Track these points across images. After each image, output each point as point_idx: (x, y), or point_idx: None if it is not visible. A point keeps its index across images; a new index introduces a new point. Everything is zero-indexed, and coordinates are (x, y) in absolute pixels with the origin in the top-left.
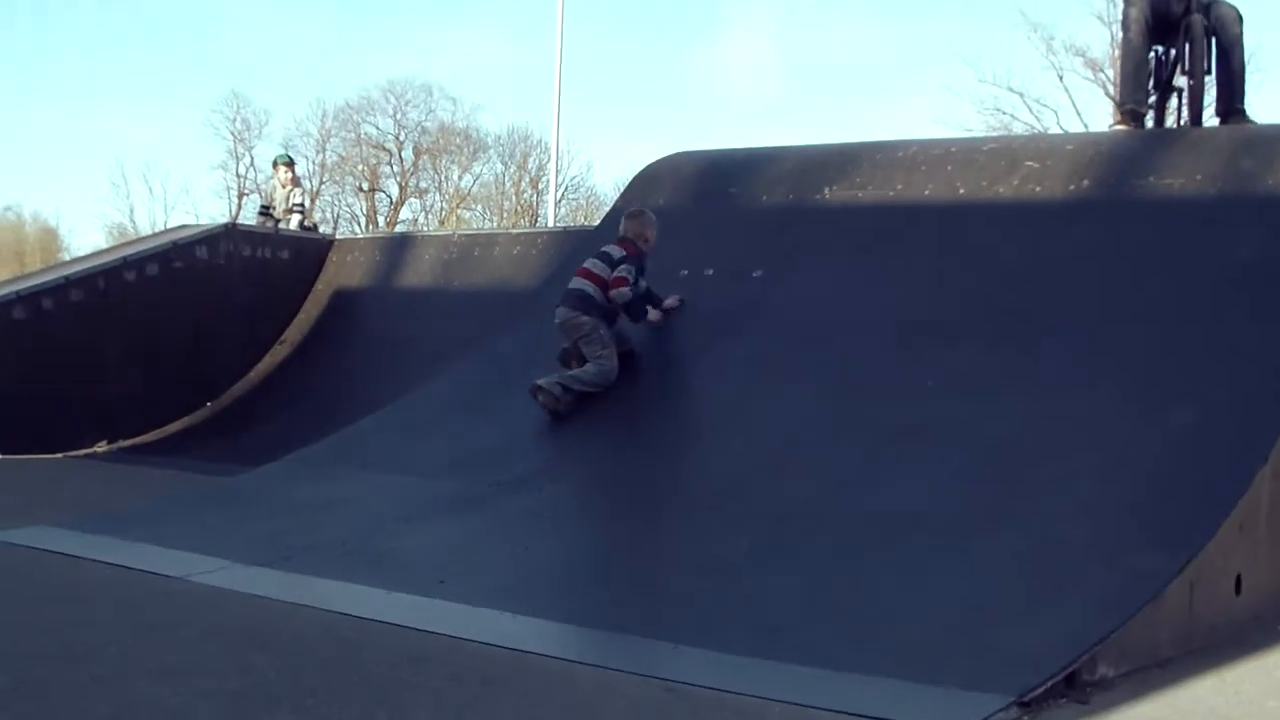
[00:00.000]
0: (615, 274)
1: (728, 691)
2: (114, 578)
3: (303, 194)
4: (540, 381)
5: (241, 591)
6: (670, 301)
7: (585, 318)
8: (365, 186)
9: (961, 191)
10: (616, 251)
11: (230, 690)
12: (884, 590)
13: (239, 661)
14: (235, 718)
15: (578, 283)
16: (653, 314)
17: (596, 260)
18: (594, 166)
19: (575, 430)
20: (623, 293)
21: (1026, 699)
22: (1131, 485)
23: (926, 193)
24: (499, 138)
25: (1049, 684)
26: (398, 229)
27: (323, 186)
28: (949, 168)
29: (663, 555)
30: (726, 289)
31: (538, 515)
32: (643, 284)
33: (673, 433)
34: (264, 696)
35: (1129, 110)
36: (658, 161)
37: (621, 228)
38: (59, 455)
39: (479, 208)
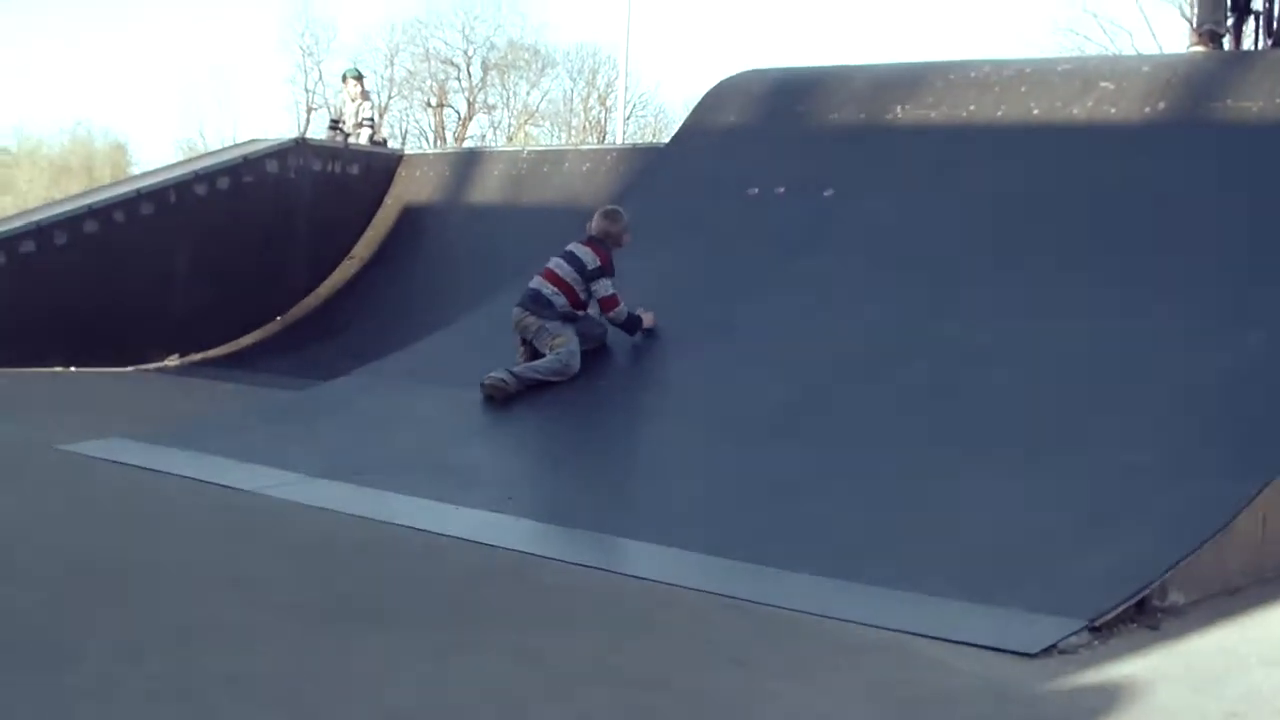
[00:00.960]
0: (604, 295)
1: (797, 610)
2: (187, 490)
3: (372, 108)
4: (487, 376)
5: (314, 505)
6: (647, 320)
7: (532, 319)
8: (433, 102)
9: (1035, 113)
10: (589, 258)
11: (305, 603)
12: (952, 513)
13: (313, 575)
14: (310, 631)
15: (537, 282)
16: (647, 319)
17: (562, 262)
18: (663, 84)
19: (643, 347)
20: (619, 311)
21: (1097, 623)
22: (1203, 410)
23: (999, 114)
24: (568, 53)
25: (1120, 608)
26: (466, 145)
27: (391, 101)
28: (1022, 89)
29: (727, 476)
30: (797, 207)
31: (603, 430)
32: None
33: (740, 351)
34: (339, 610)
35: (1207, 31)
36: (728, 80)
37: (592, 225)
38: (129, 369)
39: (547, 124)
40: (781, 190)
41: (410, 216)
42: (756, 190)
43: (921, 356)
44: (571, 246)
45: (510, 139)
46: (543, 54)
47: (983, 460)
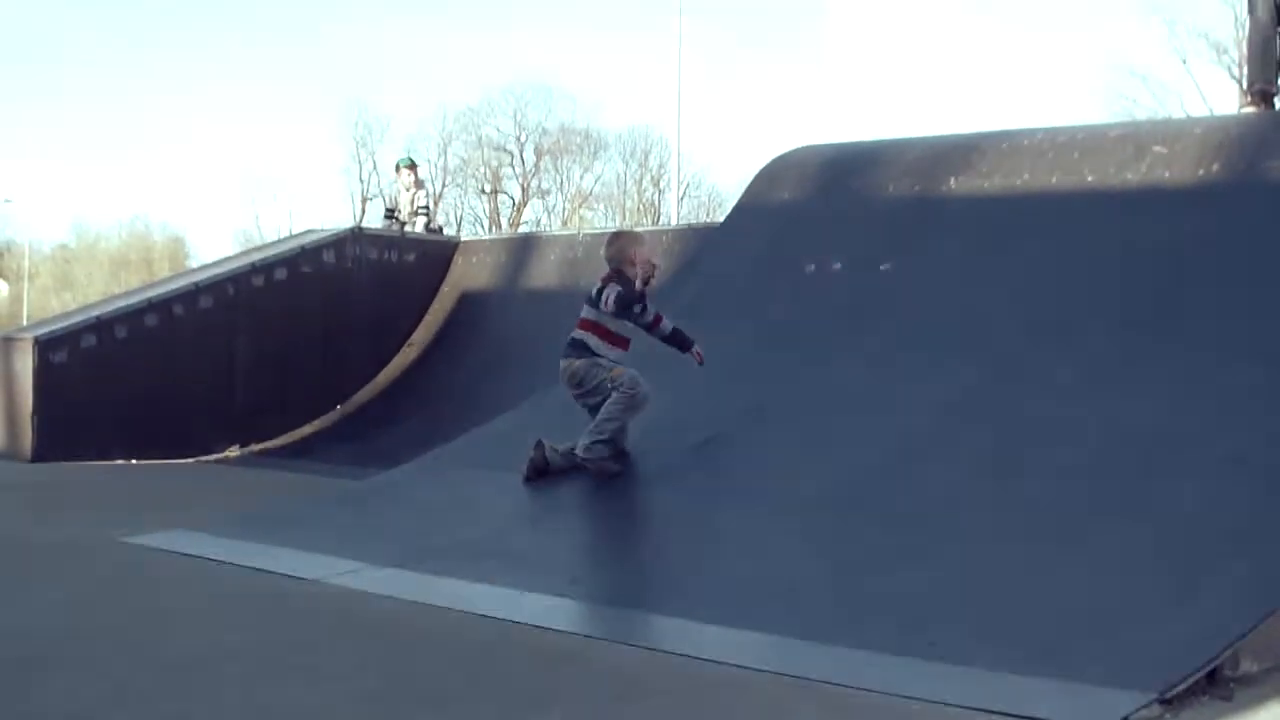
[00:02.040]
0: (608, 303)
1: (867, 689)
2: (251, 581)
3: (426, 196)
4: (578, 450)
5: (377, 593)
6: (697, 347)
7: (576, 361)
8: (487, 188)
9: (1090, 179)
10: (597, 286)
11: (369, 690)
12: (1018, 584)
13: (377, 662)
14: (380, 715)
15: (573, 334)
16: (697, 348)
17: (587, 307)
18: (715, 164)
19: (701, 425)
20: (669, 324)
21: (1168, 696)
22: (1271, 474)
23: (1054, 181)
24: (619, 136)
25: (1191, 680)
26: (521, 230)
27: (445, 189)
28: (1075, 155)
29: (796, 552)
30: (855, 282)
31: (667, 513)
32: (650, 312)
33: (801, 429)
34: (404, 697)
35: (1258, 91)
36: (781, 156)
37: (604, 255)
38: (191, 460)
39: (601, 207)
40: (838, 266)
41: (467, 302)
42: (813, 266)
43: (985, 429)
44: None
45: (565, 223)
46: (594, 137)
47: (1047, 529)
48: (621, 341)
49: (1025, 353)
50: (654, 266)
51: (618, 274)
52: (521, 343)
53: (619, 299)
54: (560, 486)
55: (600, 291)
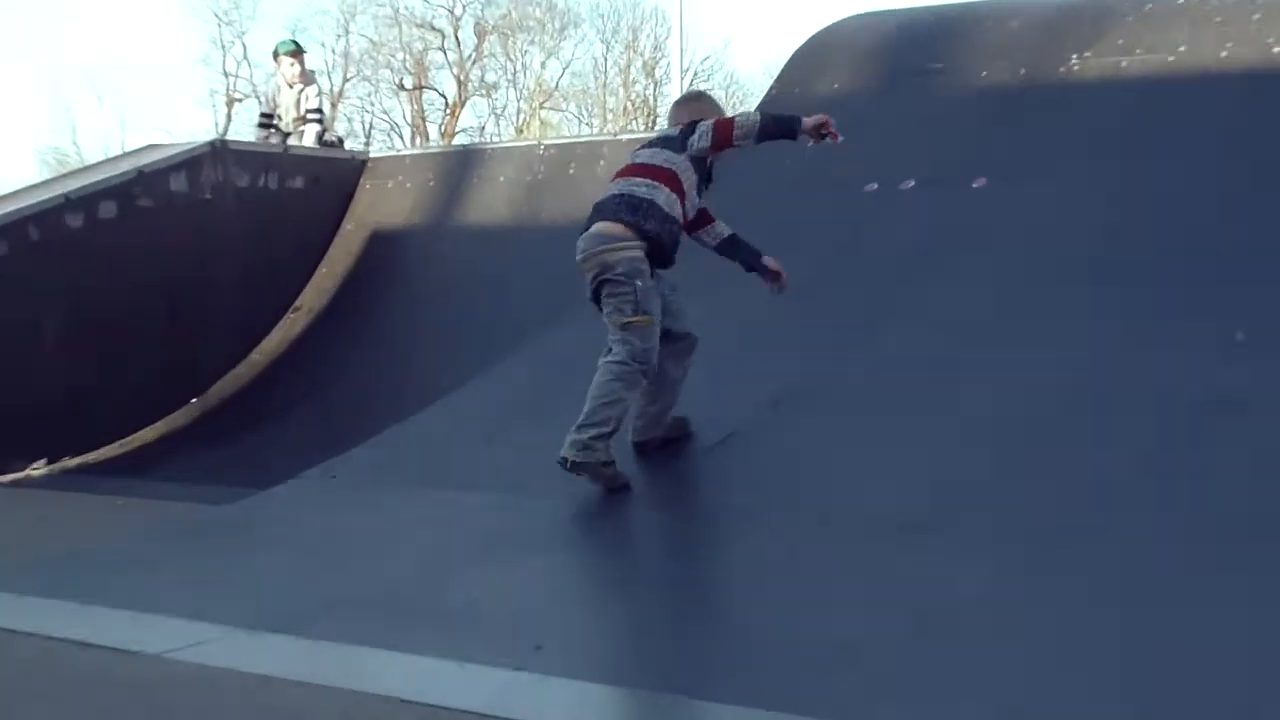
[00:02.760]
0: (703, 138)
1: None
2: (60, 659)
3: (319, 95)
4: (565, 452)
5: (249, 672)
6: (771, 262)
7: (623, 250)
8: (408, 83)
9: (1277, 50)
10: (679, 130)
11: None
12: (1184, 644)
13: None
14: None
15: (624, 185)
16: (771, 262)
17: (655, 149)
18: (734, 42)
19: (717, 422)
20: (744, 122)
21: None
22: None
23: (1223, 54)
24: (596, 6)
25: None
26: (457, 141)
27: (348, 85)
28: (1255, 17)
29: (838, 603)
30: (932, 208)
31: (672, 542)
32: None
33: (853, 421)
34: None
35: None
36: (828, 29)
37: (672, 118)
38: None
39: (572, 107)
40: (910, 184)
41: (380, 247)
42: (876, 185)
43: (1125, 420)
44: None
45: (521, 130)
46: (560, 9)
47: (1231, 558)
48: (681, 227)
49: (1183, 309)
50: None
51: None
52: (458, 306)
53: (717, 130)
54: (513, 509)
55: (683, 130)
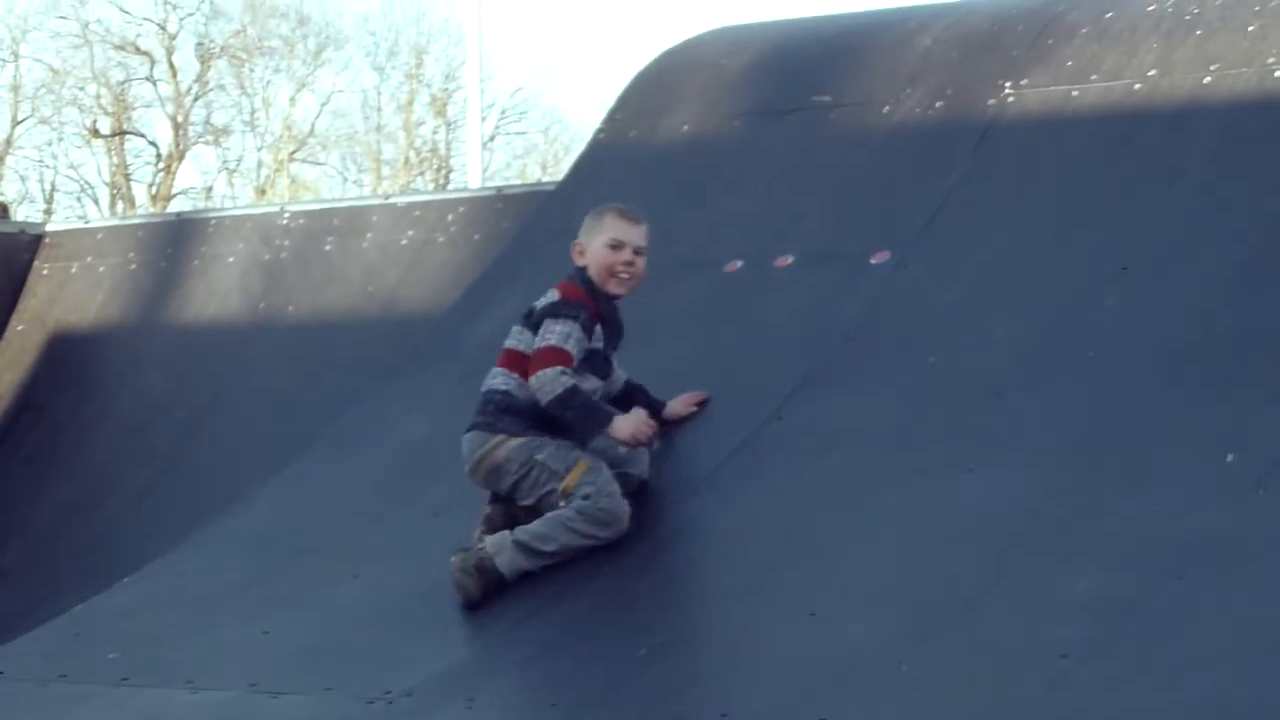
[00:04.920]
0: (543, 342)
1: None
2: None
3: None
4: (490, 548)
5: None
6: (678, 406)
7: (505, 445)
8: (105, 127)
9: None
10: (547, 295)
11: None
12: None
13: None
14: None
15: (490, 378)
16: (679, 405)
17: (517, 327)
18: (554, 71)
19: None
20: (552, 381)
21: None
22: None
23: (1207, 80)
24: (365, 20)
25: None
26: (175, 206)
27: (20, 131)
28: (1250, 29)
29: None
30: (820, 291)
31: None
32: (611, 370)
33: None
34: None
35: None
36: (678, 47)
37: None
38: None
39: (334, 158)
40: (788, 260)
41: (64, 354)
42: (740, 263)
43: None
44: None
45: (264, 190)
46: (317, 24)
47: None
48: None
49: (1168, 407)
50: (628, 265)
51: (575, 279)
52: (176, 429)
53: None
54: (260, 712)
55: (538, 309)
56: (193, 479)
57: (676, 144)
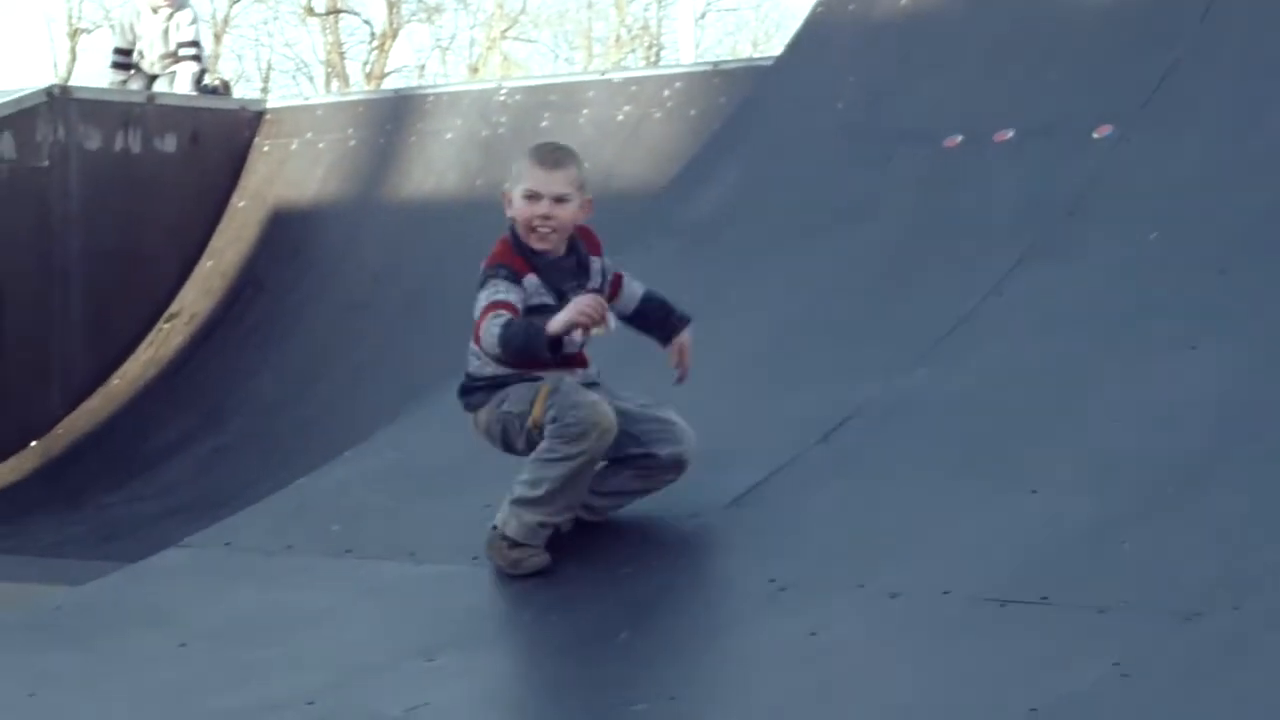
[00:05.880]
0: (476, 314)
1: None
2: None
3: (195, 24)
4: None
5: None
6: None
7: (479, 416)
8: (319, 6)
9: None
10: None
11: None
12: None
13: None
14: None
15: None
16: (565, 320)
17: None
18: None
19: (749, 461)
20: (488, 330)
21: None
22: None
23: None
24: None
25: None
26: (387, 84)
27: (236, 10)
28: None
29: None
30: (1041, 164)
31: (692, 633)
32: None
33: (938, 463)
34: None
35: None
36: None
37: None
38: None
39: (545, 36)
40: (1008, 135)
41: (283, 230)
42: (959, 138)
43: None
44: None
45: (476, 68)
46: None
47: None
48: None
49: None
50: (545, 218)
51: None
52: (390, 305)
53: (479, 280)
54: (477, 582)
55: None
56: (411, 354)
57: (895, 18)
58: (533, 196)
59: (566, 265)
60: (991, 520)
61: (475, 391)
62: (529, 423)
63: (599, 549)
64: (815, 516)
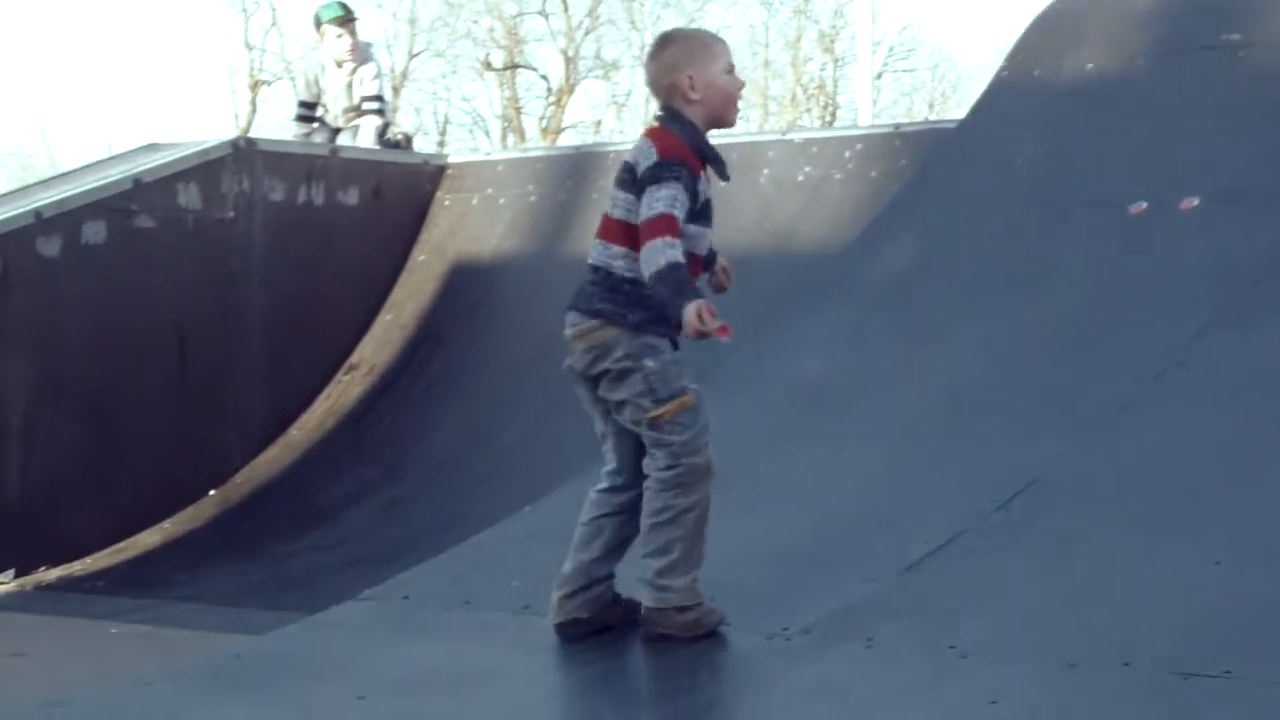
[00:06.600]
0: (650, 211)
1: None
2: None
3: (378, 78)
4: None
5: None
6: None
7: (607, 330)
8: (497, 61)
9: None
10: (643, 151)
11: None
12: None
13: None
14: None
15: (592, 252)
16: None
17: (621, 193)
18: (939, 10)
19: (894, 535)
20: (658, 253)
21: None
22: None
23: None
24: None
25: None
26: (564, 140)
27: (415, 64)
28: None
29: None
30: (1226, 233)
31: (848, 687)
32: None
33: (1122, 530)
34: None
35: None
36: None
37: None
38: None
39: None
40: (1193, 202)
41: (464, 284)
42: (1144, 204)
43: None
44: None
45: (651, 125)
46: None
47: None
48: (695, 264)
49: None
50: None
51: (665, 130)
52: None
53: (651, 173)
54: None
55: (642, 169)
56: (569, 427)
57: (1081, 82)
58: (734, 69)
59: (716, 154)
60: (1173, 591)
61: (618, 294)
62: (652, 413)
63: (769, 612)
64: (993, 584)
